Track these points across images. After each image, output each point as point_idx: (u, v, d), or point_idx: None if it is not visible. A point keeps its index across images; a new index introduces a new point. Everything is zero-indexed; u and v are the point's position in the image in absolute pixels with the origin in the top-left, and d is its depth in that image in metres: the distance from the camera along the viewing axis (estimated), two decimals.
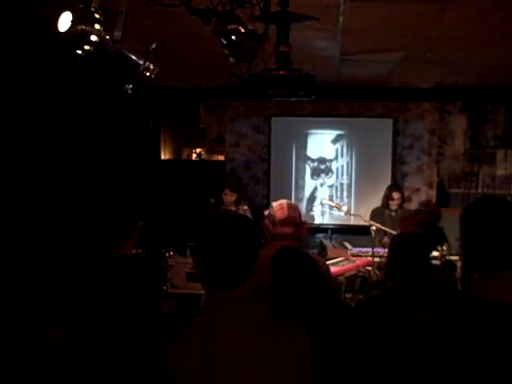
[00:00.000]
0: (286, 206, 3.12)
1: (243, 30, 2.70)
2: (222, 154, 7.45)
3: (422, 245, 2.90)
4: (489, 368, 1.42)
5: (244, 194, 6.19)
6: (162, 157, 7.53)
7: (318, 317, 2.22)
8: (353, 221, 6.65)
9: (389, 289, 2.76)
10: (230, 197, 5.73)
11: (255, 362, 1.59)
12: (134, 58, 3.05)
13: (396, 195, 6.02)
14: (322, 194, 7.13)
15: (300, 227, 3.10)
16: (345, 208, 5.85)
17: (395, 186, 6.39)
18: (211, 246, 1.65)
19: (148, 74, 3.13)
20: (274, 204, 3.17)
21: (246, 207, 5.80)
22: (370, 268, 4.68)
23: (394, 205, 5.99)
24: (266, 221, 3.13)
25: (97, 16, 2.58)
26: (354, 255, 5.12)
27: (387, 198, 6.06)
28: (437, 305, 2.61)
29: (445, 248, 5.19)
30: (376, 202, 6.37)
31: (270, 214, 3.12)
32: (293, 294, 2.28)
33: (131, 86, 3.32)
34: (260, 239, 3.55)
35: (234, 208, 5.66)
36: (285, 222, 3.06)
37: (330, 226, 6.99)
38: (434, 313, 2.49)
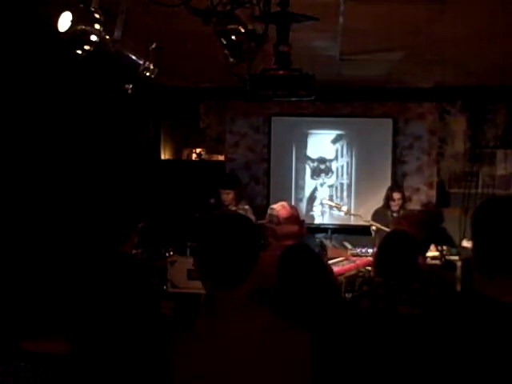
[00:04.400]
0: (287, 205, 3.16)
1: (243, 30, 2.70)
2: (221, 154, 7.45)
3: (408, 241, 2.92)
4: (485, 366, 1.42)
5: (243, 192, 6.06)
6: (162, 157, 7.53)
7: (323, 316, 2.22)
8: (353, 221, 6.65)
9: (377, 284, 2.78)
10: (226, 195, 5.60)
11: (256, 362, 1.59)
12: (134, 58, 3.05)
13: (396, 195, 6.04)
14: (322, 194, 7.13)
15: (302, 226, 3.14)
16: (345, 208, 5.85)
17: (396, 186, 6.40)
18: (211, 246, 1.65)
19: (148, 74, 3.14)
20: (274, 206, 3.21)
21: (246, 207, 5.68)
22: (370, 268, 4.68)
23: (395, 205, 6.01)
24: (269, 224, 3.14)
25: (97, 16, 2.59)
26: (353, 255, 5.12)
27: (388, 198, 6.08)
28: (428, 300, 2.63)
29: (445, 248, 5.19)
30: (376, 202, 6.38)
31: (272, 215, 3.14)
32: (301, 291, 2.28)
33: (131, 86, 3.33)
34: (261, 239, 3.56)
35: (234, 208, 5.59)
36: (290, 219, 3.09)
37: (330, 226, 6.99)
38: (422, 308, 2.51)
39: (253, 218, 5.36)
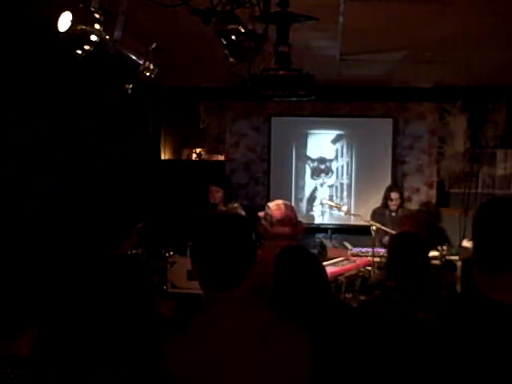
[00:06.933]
0: (282, 205, 3.14)
1: (243, 30, 2.69)
2: (221, 154, 7.45)
3: (422, 244, 2.91)
4: (495, 369, 1.42)
5: (233, 194, 5.89)
6: (162, 157, 7.53)
7: (320, 316, 2.22)
8: (353, 221, 6.65)
9: (391, 289, 2.76)
10: (215, 192, 5.48)
11: (254, 362, 1.59)
12: (134, 57, 3.05)
13: (394, 195, 6.05)
14: (322, 194, 7.13)
15: (296, 227, 3.12)
16: (345, 208, 5.84)
17: (394, 186, 6.41)
18: (209, 246, 1.65)
19: (148, 74, 3.14)
20: (271, 204, 3.19)
21: (236, 204, 5.58)
22: (370, 268, 4.67)
23: (393, 205, 6.02)
24: (263, 221, 3.14)
25: (97, 16, 2.59)
26: (354, 255, 5.11)
27: (386, 198, 6.10)
28: (442, 303, 2.62)
29: (445, 248, 5.19)
30: (376, 201, 6.37)
31: (266, 214, 3.14)
32: (298, 292, 2.27)
33: (131, 86, 3.33)
34: (259, 239, 3.56)
35: (223, 208, 5.49)
36: (283, 221, 3.07)
37: (330, 226, 6.99)
38: (437, 311, 2.50)
39: (243, 213, 5.34)
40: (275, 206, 3.14)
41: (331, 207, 6.74)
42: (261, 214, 3.21)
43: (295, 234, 3.10)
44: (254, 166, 7.34)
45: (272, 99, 5.46)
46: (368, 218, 5.58)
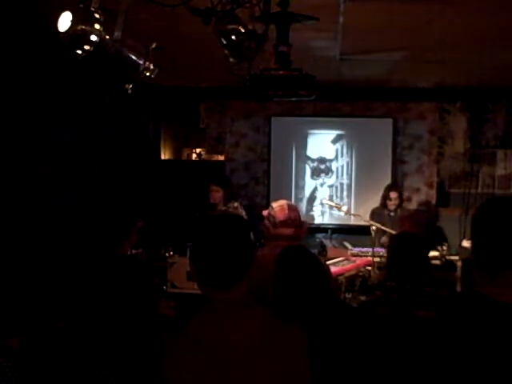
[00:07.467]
0: (286, 206, 3.12)
1: (243, 30, 2.70)
2: (221, 154, 7.45)
3: (422, 244, 2.91)
4: (495, 368, 1.42)
5: (233, 194, 5.89)
6: (162, 157, 7.53)
7: (320, 317, 2.22)
8: (353, 221, 6.65)
9: (391, 289, 2.76)
10: (215, 192, 5.49)
11: (254, 362, 1.59)
12: (133, 57, 3.05)
13: (393, 195, 6.03)
14: (322, 194, 7.13)
15: (300, 228, 3.11)
16: (345, 208, 5.84)
17: (393, 185, 6.39)
18: (208, 246, 1.65)
19: (148, 74, 3.14)
20: (274, 205, 3.17)
21: (236, 204, 5.57)
22: (370, 268, 4.68)
23: (391, 205, 6.01)
24: (266, 222, 3.13)
25: (97, 16, 2.59)
26: (354, 255, 5.12)
27: (385, 197, 6.09)
28: (442, 303, 2.62)
29: (445, 248, 5.19)
30: (376, 201, 6.37)
31: (270, 214, 3.12)
32: (297, 292, 2.27)
33: (131, 86, 3.33)
34: (260, 239, 3.56)
35: (223, 207, 5.49)
36: (286, 223, 3.06)
37: (330, 226, 6.99)
38: (437, 311, 2.50)
39: (243, 213, 5.34)
40: (279, 207, 3.11)
41: (331, 207, 6.74)
42: (265, 212, 3.18)
43: (298, 235, 3.09)
44: (254, 166, 7.34)
45: (272, 99, 5.46)
46: (368, 217, 5.58)
